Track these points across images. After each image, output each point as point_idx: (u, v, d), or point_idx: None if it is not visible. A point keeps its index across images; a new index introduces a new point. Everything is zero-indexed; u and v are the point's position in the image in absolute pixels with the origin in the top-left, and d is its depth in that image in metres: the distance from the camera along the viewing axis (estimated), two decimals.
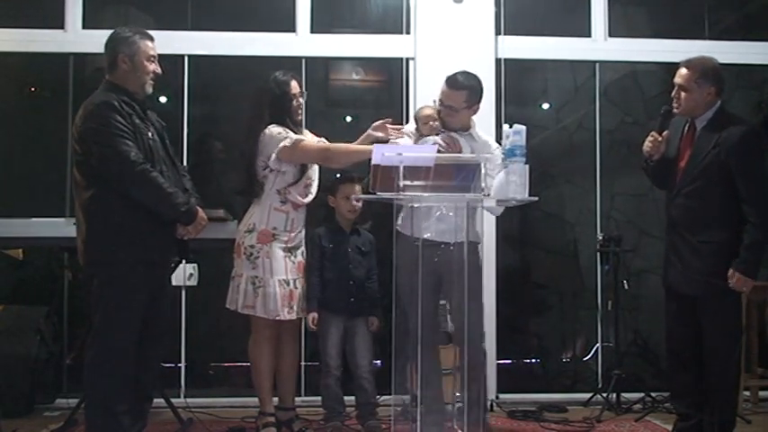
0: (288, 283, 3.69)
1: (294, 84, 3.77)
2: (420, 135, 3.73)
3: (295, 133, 3.70)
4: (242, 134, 3.80)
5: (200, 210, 3.37)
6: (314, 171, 3.82)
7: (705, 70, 3.46)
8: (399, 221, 3.67)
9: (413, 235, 3.53)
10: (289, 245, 3.71)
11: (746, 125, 3.46)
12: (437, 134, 3.64)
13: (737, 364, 3.52)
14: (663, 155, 3.59)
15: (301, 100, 3.81)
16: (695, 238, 3.42)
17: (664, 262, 3.62)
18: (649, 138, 3.59)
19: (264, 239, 3.67)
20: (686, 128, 3.55)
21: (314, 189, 3.81)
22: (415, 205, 3.46)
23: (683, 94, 3.47)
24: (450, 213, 3.53)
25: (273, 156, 3.63)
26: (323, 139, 3.88)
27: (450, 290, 3.58)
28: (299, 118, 3.82)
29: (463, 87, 3.67)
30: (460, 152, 3.60)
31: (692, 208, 3.44)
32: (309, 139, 3.79)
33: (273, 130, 3.66)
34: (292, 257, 3.72)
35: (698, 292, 3.42)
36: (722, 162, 3.36)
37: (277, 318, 3.66)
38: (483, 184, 3.05)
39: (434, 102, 3.75)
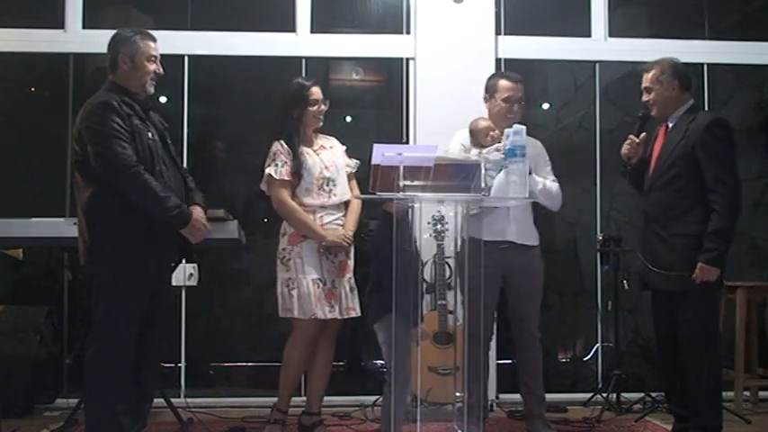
0: (324, 283, 3.67)
1: (316, 90, 3.77)
2: (480, 146, 3.70)
3: (298, 146, 3.70)
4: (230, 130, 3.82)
5: (196, 213, 3.30)
6: (333, 171, 3.76)
7: (664, 67, 3.58)
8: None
9: (491, 239, 3.64)
10: (323, 243, 3.68)
11: (716, 116, 3.53)
12: (499, 141, 3.63)
13: (716, 360, 3.51)
14: (641, 158, 3.67)
15: (323, 106, 3.80)
16: (667, 232, 3.46)
17: (640, 262, 3.66)
18: (627, 141, 3.68)
19: (294, 241, 3.69)
20: (660, 127, 3.64)
21: (339, 190, 3.77)
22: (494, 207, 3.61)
23: (650, 95, 3.59)
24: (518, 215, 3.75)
25: (263, 180, 3.71)
26: (350, 163, 3.88)
27: (520, 289, 3.77)
28: (319, 124, 3.83)
29: (522, 80, 3.84)
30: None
31: (664, 201, 3.50)
32: (312, 156, 3.75)
33: (273, 148, 3.70)
34: (331, 257, 3.70)
35: (672, 286, 3.44)
36: (690, 153, 3.43)
37: (313, 317, 3.63)
38: (483, 184, 3.06)
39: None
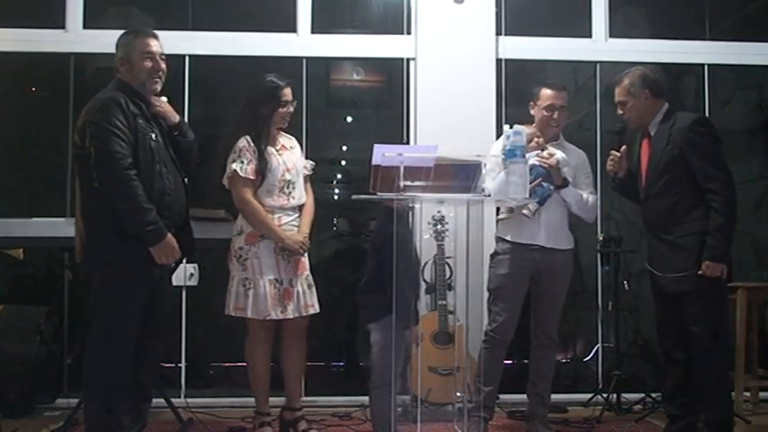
0: (281, 282, 3.67)
1: (288, 91, 3.76)
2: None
3: (265, 145, 3.70)
4: (229, 130, 3.82)
5: (169, 238, 3.19)
6: (294, 173, 3.78)
7: (633, 79, 3.60)
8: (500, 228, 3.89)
9: (521, 241, 3.75)
10: (280, 244, 3.69)
11: (695, 116, 3.56)
12: (543, 149, 3.71)
13: (724, 360, 3.54)
14: (628, 170, 3.70)
15: (291, 108, 3.81)
16: (672, 236, 3.48)
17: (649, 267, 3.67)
18: (609, 157, 3.73)
19: (252, 240, 3.67)
20: (642, 138, 3.65)
21: (297, 193, 3.78)
22: (524, 212, 3.65)
23: (624, 107, 3.61)
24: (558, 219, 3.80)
25: (225, 175, 3.70)
26: (307, 165, 3.90)
27: (544, 290, 3.82)
28: (284, 125, 3.84)
29: (564, 88, 3.89)
30: (557, 165, 3.71)
31: (662, 208, 3.51)
32: (275, 160, 3.74)
33: (240, 144, 3.68)
34: (287, 255, 3.70)
35: (682, 288, 3.44)
36: (678, 156, 3.45)
37: (267, 318, 3.64)
38: (483, 185, 3.06)
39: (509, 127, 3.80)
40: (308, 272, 3.81)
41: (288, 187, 3.75)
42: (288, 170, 3.76)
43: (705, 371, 3.44)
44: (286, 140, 3.89)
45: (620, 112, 3.65)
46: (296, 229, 3.76)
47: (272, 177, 3.70)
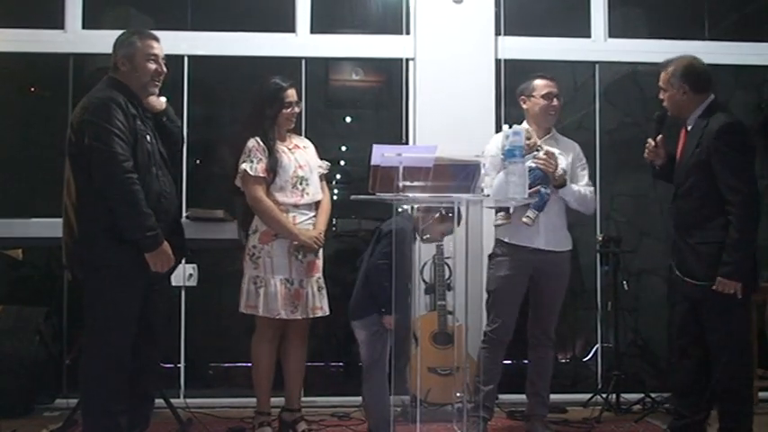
0: (291, 283, 3.69)
1: (291, 92, 3.79)
2: None
3: (273, 144, 3.72)
4: (236, 131, 3.84)
5: (165, 245, 3.15)
6: (307, 170, 3.80)
7: (676, 69, 3.47)
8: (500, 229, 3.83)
9: (520, 244, 3.74)
10: (294, 242, 3.70)
11: (727, 120, 3.36)
12: (537, 149, 3.67)
13: (746, 369, 3.44)
14: (667, 158, 3.60)
15: (297, 109, 3.83)
16: (692, 240, 3.38)
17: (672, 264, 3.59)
18: (646, 146, 3.64)
19: (266, 239, 3.69)
20: (681, 130, 3.56)
21: (311, 189, 3.80)
22: (524, 220, 3.62)
23: (664, 95, 3.51)
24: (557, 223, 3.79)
25: (238, 176, 3.72)
26: (322, 164, 3.92)
27: (542, 290, 3.82)
28: (291, 126, 3.86)
29: (554, 79, 3.89)
30: (556, 164, 3.69)
31: (686, 209, 3.43)
32: (286, 157, 3.77)
33: (249, 144, 3.71)
34: (300, 257, 3.72)
35: (698, 295, 3.37)
36: (704, 161, 3.32)
37: (278, 317, 3.66)
38: (482, 185, 3.06)
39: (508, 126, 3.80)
40: (319, 274, 3.82)
41: (301, 184, 3.77)
42: (300, 167, 3.79)
43: (725, 379, 3.34)
44: (298, 140, 3.93)
45: (661, 96, 3.54)
46: (311, 227, 3.78)
47: (283, 174, 3.73)
